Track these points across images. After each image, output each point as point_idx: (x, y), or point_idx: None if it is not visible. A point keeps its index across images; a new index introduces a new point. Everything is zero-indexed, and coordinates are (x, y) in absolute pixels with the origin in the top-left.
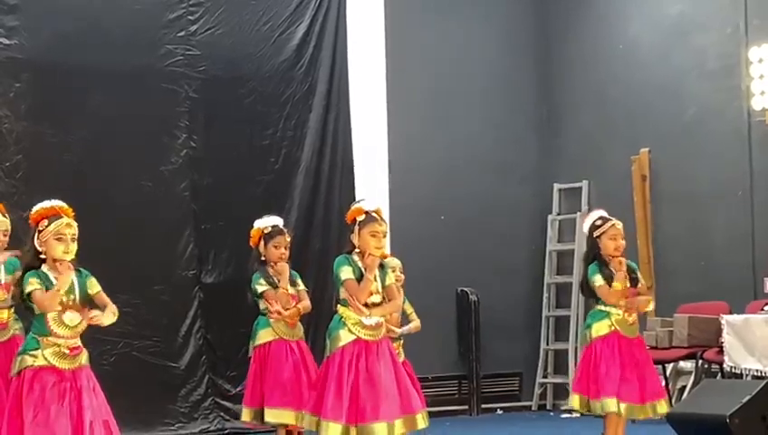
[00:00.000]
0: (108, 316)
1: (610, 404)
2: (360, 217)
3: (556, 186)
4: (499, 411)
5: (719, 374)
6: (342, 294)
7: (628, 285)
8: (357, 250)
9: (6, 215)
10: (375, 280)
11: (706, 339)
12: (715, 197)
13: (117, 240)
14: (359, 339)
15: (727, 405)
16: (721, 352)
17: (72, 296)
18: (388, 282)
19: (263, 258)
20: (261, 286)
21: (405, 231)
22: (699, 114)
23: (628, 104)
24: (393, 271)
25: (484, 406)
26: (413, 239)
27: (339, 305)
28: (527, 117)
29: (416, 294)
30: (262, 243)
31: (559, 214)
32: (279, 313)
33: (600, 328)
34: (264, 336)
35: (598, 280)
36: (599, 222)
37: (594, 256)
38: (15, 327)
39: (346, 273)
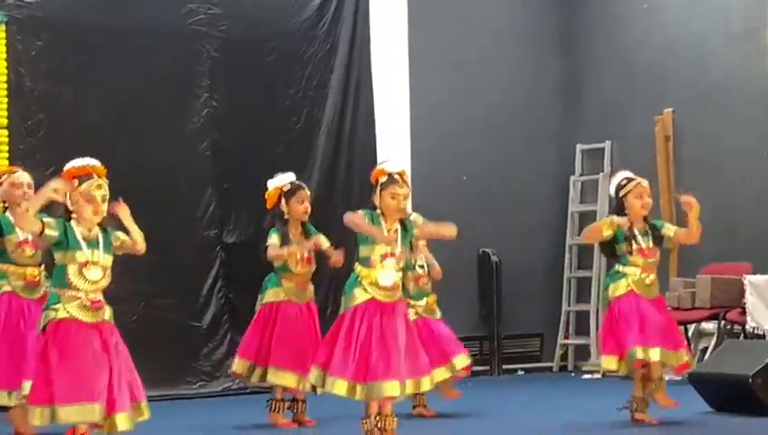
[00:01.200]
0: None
1: (637, 352)
2: (383, 179)
3: (579, 147)
4: (520, 372)
5: (741, 335)
6: (362, 252)
7: (651, 244)
8: (379, 211)
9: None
10: (396, 240)
11: (729, 300)
12: (738, 157)
13: (138, 200)
14: (373, 299)
15: (750, 365)
16: (743, 312)
17: (97, 251)
18: (412, 236)
19: (286, 217)
20: (270, 240)
21: (426, 192)
22: (723, 75)
23: (651, 65)
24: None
25: (505, 367)
26: (435, 200)
27: (357, 263)
28: (550, 77)
29: (437, 255)
30: (283, 201)
31: (581, 175)
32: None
33: (616, 288)
34: (272, 295)
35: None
36: (624, 182)
37: (619, 215)
38: (47, 284)
39: (361, 212)
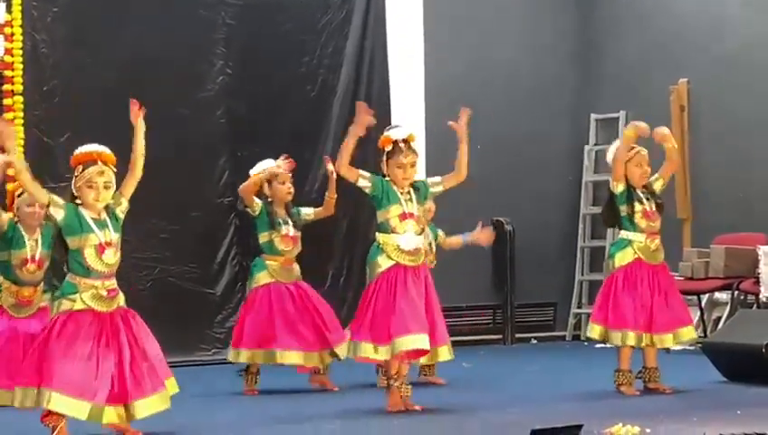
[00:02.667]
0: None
1: (630, 337)
2: (388, 148)
3: (593, 116)
4: (533, 341)
5: (755, 305)
6: (379, 217)
7: (654, 208)
8: (388, 178)
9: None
10: (410, 200)
11: (743, 270)
12: (754, 127)
13: (153, 167)
14: (397, 264)
15: (763, 335)
16: (757, 282)
17: (108, 231)
18: (429, 198)
19: (269, 200)
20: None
21: (441, 160)
22: (739, 45)
23: (667, 34)
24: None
25: (518, 336)
26: (449, 169)
27: (377, 232)
28: (565, 46)
29: (451, 223)
30: (266, 185)
31: (596, 144)
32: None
33: (623, 257)
34: (261, 279)
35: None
36: None
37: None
38: (44, 301)
39: (363, 176)
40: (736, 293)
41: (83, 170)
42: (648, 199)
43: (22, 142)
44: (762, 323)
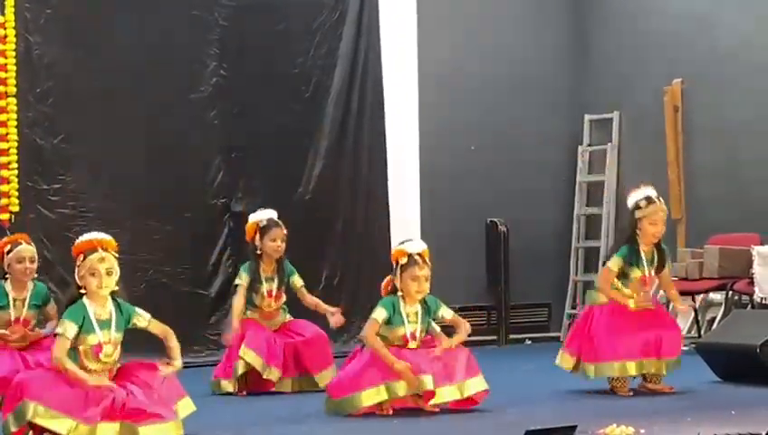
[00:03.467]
0: (178, 359)
1: (607, 369)
2: (403, 260)
3: (587, 116)
4: (527, 342)
5: (749, 306)
6: (382, 330)
7: (652, 273)
8: (400, 293)
9: (32, 243)
10: (416, 322)
11: (737, 270)
12: (748, 128)
13: (147, 168)
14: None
15: (757, 335)
16: (751, 283)
17: (109, 331)
18: (434, 322)
19: (258, 252)
20: (239, 280)
21: (435, 161)
22: (733, 45)
23: (661, 34)
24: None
25: (512, 336)
26: (443, 170)
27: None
28: (559, 47)
29: (445, 224)
30: (257, 236)
31: (589, 145)
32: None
33: (602, 298)
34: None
35: (613, 264)
36: (642, 203)
37: (629, 234)
38: (38, 332)
39: (378, 313)
40: (730, 293)
41: (84, 259)
42: (650, 262)
43: (16, 144)
44: (756, 324)
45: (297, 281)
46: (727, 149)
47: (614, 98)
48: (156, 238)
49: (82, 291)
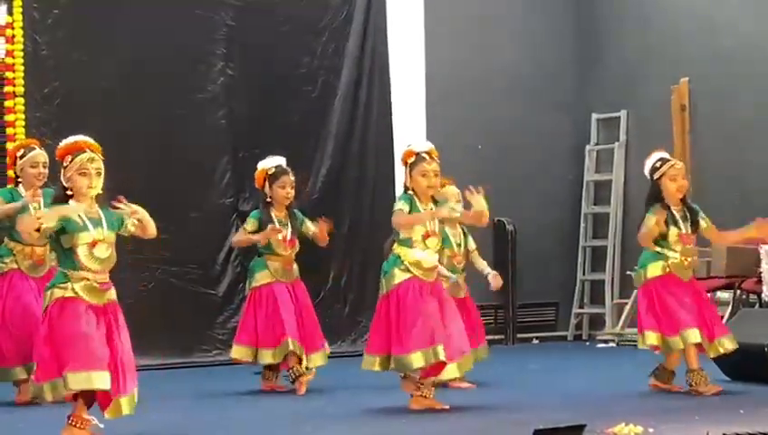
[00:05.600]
0: (149, 220)
1: (692, 335)
2: (411, 159)
3: (594, 115)
4: (535, 341)
5: (757, 304)
6: (402, 233)
7: (690, 230)
8: (411, 192)
9: (42, 148)
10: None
11: (745, 269)
12: (755, 126)
13: (154, 168)
14: (414, 277)
15: (765, 334)
16: (759, 282)
17: (100, 230)
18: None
19: (268, 200)
20: (246, 226)
21: (441, 161)
22: (740, 43)
23: (668, 33)
24: (458, 202)
25: (520, 335)
26: (450, 169)
27: (396, 244)
28: (566, 46)
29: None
30: (267, 184)
31: (597, 144)
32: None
33: (654, 270)
34: (261, 278)
35: (648, 221)
36: (658, 163)
37: (655, 198)
38: (52, 257)
39: (400, 204)
40: (738, 292)
41: (73, 159)
42: (684, 220)
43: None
44: (764, 323)
45: (310, 226)
46: (734, 147)
47: (621, 97)
48: (163, 238)
49: (70, 193)
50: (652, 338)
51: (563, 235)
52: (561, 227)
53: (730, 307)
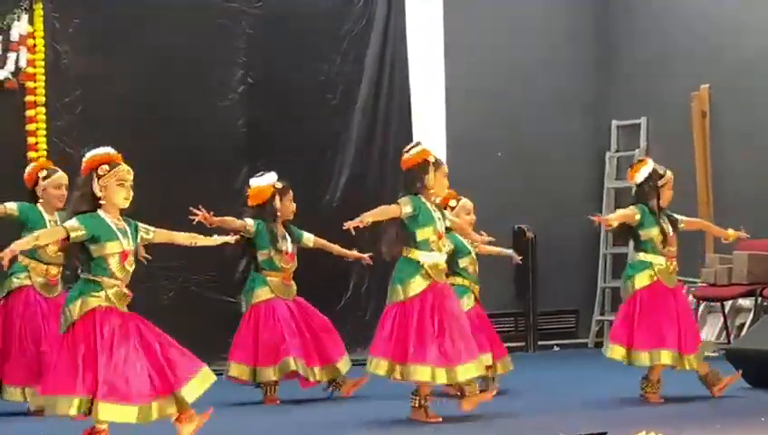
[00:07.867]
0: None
1: (664, 356)
2: (431, 159)
3: (615, 122)
4: (556, 348)
5: None
6: (418, 236)
7: (671, 231)
8: (432, 190)
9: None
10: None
11: (766, 276)
12: None
13: (174, 175)
14: (433, 282)
15: None
16: None
17: (128, 241)
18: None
19: (278, 214)
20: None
21: (462, 168)
22: (760, 49)
23: (688, 40)
24: (468, 214)
25: (540, 343)
26: (470, 176)
27: (411, 249)
28: (586, 53)
29: (473, 230)
30: (277, 199)
31: (617, 151)
32: None
33: (642, 279)
34: (261, 294)
35: (629, 209)
36: (662, 171)
37: (645, 201)
38: (63, 285)
39: (403, 203)
40: (760, 299)
41: (111, 169)
42: (666, 223)
43: (45, 153)
44: None
45: (308, 238)
46: (755, 153)
47: (642, 103)
48: (184, 247)
49: (102, 202)
50: (617, 353)
51: (584, 242)
52: (581, 234)
53: (752, 314)
